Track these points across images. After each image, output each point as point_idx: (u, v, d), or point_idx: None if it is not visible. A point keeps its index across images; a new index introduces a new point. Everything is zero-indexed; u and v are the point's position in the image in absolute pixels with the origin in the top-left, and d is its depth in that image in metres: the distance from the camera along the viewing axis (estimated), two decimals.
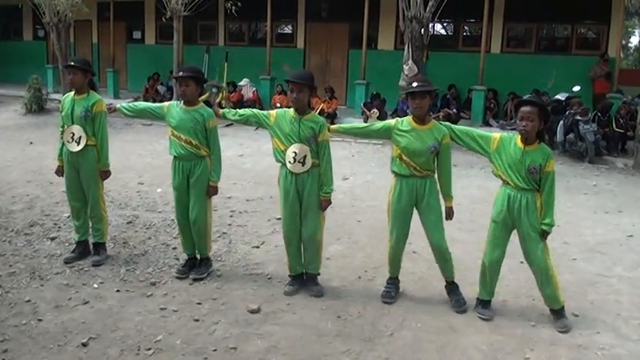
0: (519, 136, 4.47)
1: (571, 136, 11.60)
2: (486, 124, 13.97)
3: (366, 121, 13.78)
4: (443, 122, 4.91)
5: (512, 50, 16.32)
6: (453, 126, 4.84)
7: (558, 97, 13.40)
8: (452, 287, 4.91)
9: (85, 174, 5.47)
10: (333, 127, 5.02)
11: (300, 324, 4.48)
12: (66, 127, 5.42)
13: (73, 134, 5.36)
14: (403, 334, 4.39)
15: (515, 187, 4.46)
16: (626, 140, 11.98)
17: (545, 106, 4.64)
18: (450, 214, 4.85)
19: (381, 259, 5.86)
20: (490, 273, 4.70)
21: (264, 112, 5.02)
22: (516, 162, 4.43)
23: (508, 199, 4.50)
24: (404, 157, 4.68)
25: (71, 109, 5.40)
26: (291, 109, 4.85)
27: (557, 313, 4.60)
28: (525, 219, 4.47)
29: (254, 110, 5.14)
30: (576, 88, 13.45)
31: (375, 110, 14.10)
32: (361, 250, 6.13)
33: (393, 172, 4.82)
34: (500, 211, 4.55)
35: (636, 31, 32.76)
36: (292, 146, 4.74)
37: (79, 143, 5.36)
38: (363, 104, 14.73)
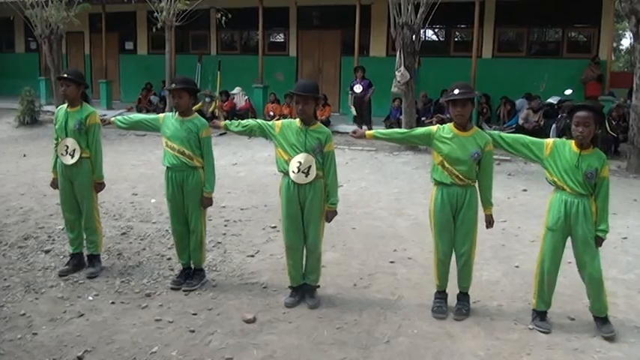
0: (573, 141, 4.42)
1: (564, 139, 11.62)
2: (479, 128, 13.98)
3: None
4: (491, 132, 4.82)
5: (503, 55, 16.37)
6: (502, 134, 4.77)
7: (550, 100, 13.49)
8: (463, 297, 4.88)
9: (79, 186, 5.45)
10: (369, 132, 4.95)
11: (296, 333, 4.47)
12: (60, 139, 5.42)
13: (67, 147, 5.35)
14: (400, 340, 4.38)
15: (572, 193, 4.39)
16: (619, 142, 12.03)
17: (601, 110, 4.58)
18: (490, 222, 4.81)
19: (376, 266, 5.88)
20: (548, 282, 4.59)
21: (269, 123, 4.98)
22: (573, 167, 4.36)
23: (565, 205, 4.41)
24: (446, 165, 4.61)
25: (65, 121, 5.39)
26: (297, 120, 4.84)
27: (604, 320, 4.55)
28: (583, 225, 4.39)
29: (258, 121, 5.08)
30: (568, 92, 13.52)
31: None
32: (356, 258, 6.13)
33: (434, 180, 4.74)
34: (558, 218, 4.45)
35: (627, 34, 32.94)
36: (297, 156, 4.71)
37: (73, 156, 5.35)
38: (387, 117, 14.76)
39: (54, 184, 5.64)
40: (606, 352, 4.25)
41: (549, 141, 4.55)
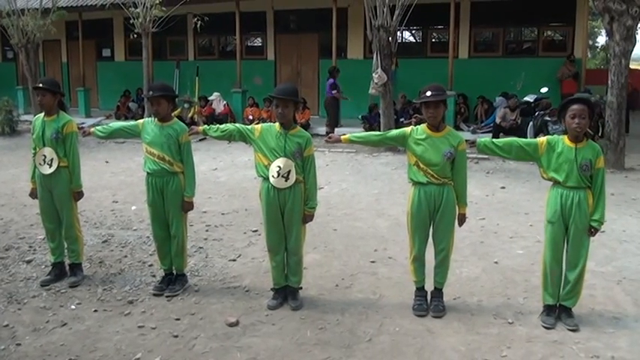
0: (565, 136, 4.52)
1: (541, 136, 11.77)
2: (457, 128, 14.10)
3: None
4: (484, 139, 4.83)
5: (479, 55, 16.56)
6: (494, 140, 4.81)
7: (527, 98, 13.65)
8: (437, 293, 4.94)
9: (58, 196, 5.44)
10: (345, 137, 4.96)
11: (279, 334, 4.51)
12: (37, 149, 5.40)
13: (45, 157, 5.34)
14: (381, 338, 4.43)
15: (567, 187, 4.49)
16: (595, 138, 12.19)
17: (592, 103, 4.67)
18: (462, 221, 4.86)
19: (357, 267, 5.93)
20: (551, 274, 4.66)
21: (249, 127, 4.99)
22: (568, 161, 4.45)
23: (561, 197, 4.51)
24: (420, 165, 4.68)
25: (42, 131, 5.37)
26: (277, 124, 4.86)
27: (570, 311, 4.65)
28: (577, 217, 4.49)
29: (237, 125, 5.09)
30: (544, 90, 13.70)
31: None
32: (337, 259, 6.18)
33: (411, 179, 4.80)
34: (555, 210, 4.55)
35: (603, 32, 33.45)
36: (277, 160, 4.73)
37: (50, 165, 5.34)
38: (363, 116, 14.84)
39: (33, 194, 5.62)
40: (585, 343, 4.33)
41: (542, 139, 4.64)
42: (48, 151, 5.33)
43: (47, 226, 5.60)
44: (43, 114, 5.45)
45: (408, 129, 4.82)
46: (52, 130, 5.34)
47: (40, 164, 5.37)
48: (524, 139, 4.78)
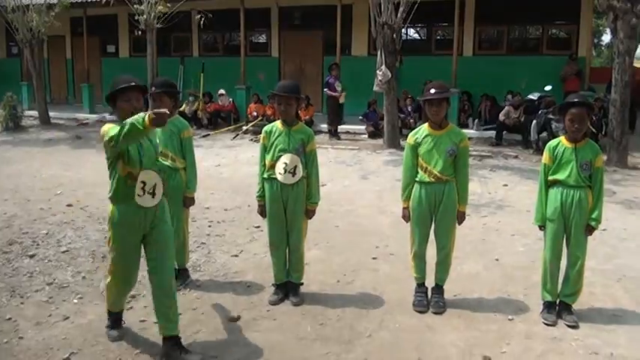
0: (562, 137, 4.60)
1: (544, 134, 11.80)
2: (462, 125, 14.09)
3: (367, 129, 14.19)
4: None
5: (484, 52, 16.56)
6: (540, 200, 4.74)
7: (531, 96, 13.65)
8: (438, 290, 4.96)
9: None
10: (404, 206, 4.86)
11: (279, 329, 4.53)
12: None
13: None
14: (381, 334, 4.45)
15: (567, 185, 4.53)
16: (599, 136, 12.18)
17: (591, 103, 4.72)
18: (461, 219, 4.87)
19: (358, 263, 5.95)
20: (550, 272, 4.70)
21: (261, 146, 4.93)
22: (568, 161, 4.51)
23: (561, 195, 4.56)
24: (422, 164, 4.71)
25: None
26: (278, 122, 4.89)
27: (570, 308, 4.68)
28: (577, 215, 4.53)
29: (260, 160, 4.97)
30: (548, 88, 13.69)
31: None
32: (339, 255, 6.20)
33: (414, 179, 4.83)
34: (555, 208, 4.59)
35: (608, 30, 33.40)
36: (282, 157, 4.76)
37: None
38: (364, 115, 14.84)
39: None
40: (584, 340, 4.35)
41: (544, 154, 4.68)
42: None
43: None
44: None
45: (410, 140, 4.81)
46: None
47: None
48: (541, 178, 4.73)
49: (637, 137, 13.25)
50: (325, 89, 14.58)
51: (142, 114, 3.56)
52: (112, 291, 4.31)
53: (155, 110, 3.57)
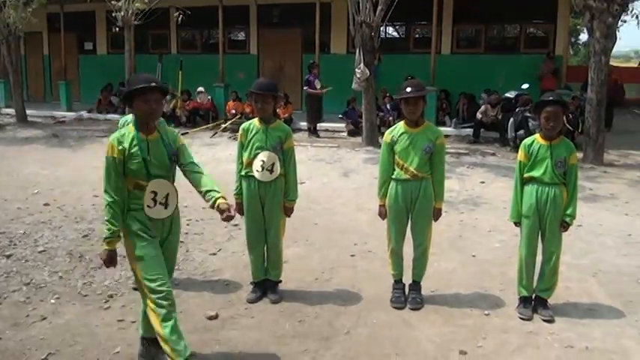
0: (537, 135, 4.66)
1: (521, 132, 11.90)
2: (440, 123, 14.18)
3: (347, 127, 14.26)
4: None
5: (462, 51, 16.67)
6: (516, 198, 4.79)
7: (508, 95, 13.75)
8: (415, 286, 5.00)
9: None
10: (381, 203, 4.91)
11: (258, 327, 4.55)
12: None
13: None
14: (359, 331, 4.49)
15: (542, 183, 4.59)
16: (575, 134, 12.32)
17: (565, 102, 4.78)
18: (437, 216, 4.89)
19: (336, 260, 5.98)
20: (526, 268, 4.76)
21: (238, 144, 4.94)
22: (543, 159, 4.57)
23: (536, 192, 4.62)
24: (399, 161, 4.75)
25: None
26: (255, 120, 4.90)
27: (546, 303, 4.75)
28: (552, 211, 4.60)
29: (238, 160, 4.97)
30: (525, 86, 13.80)
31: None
32: (318, 252, 6.23)
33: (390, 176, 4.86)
34: (530, 205, 4.65)
35: (585, 29, 33.82)
36: (260, 154, 4.78)
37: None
38: (343, 113, 14.83)
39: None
40: (560, 334, 4.43)
41: (520, 152, 4.74)
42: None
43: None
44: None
45: (386, 138, 4.84)
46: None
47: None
48: (517, 172, 4.78)
49: (613, 135, 13.43)
50: (305, 87, 14.59)
51: (110, 235, 3.95)
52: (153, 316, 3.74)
53: (107, 259, 4.00)
